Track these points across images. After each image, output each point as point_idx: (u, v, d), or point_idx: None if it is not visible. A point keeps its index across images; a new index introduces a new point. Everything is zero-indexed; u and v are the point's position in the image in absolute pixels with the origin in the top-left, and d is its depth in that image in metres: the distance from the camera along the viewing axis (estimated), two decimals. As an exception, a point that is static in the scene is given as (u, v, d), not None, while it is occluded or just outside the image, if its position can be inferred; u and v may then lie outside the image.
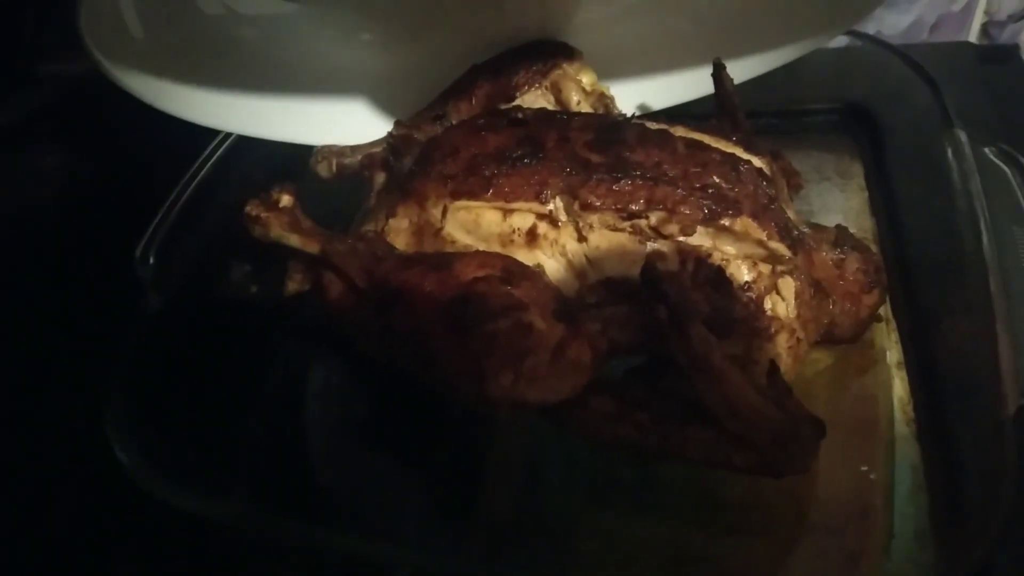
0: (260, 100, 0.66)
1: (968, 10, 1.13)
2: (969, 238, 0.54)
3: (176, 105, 0.61)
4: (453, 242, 0.55)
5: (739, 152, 0.56)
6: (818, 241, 0.56)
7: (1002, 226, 0.54)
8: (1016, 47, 0.90)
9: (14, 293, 0.79)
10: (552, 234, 0.54)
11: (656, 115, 0.72)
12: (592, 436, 0.51)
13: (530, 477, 0.59)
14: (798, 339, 0.53)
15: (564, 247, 0.54)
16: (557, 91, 0.66)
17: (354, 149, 0.68)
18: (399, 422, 0.62)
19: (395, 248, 0.56)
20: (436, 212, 0.56)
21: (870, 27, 1.07)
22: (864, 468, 0.54)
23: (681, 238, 0.52)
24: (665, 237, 0.53)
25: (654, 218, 0.52)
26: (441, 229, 0.56)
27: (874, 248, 0.63)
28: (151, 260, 0.61)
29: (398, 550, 0.49)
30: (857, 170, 0.77)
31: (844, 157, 0.78)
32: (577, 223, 0.53)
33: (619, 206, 0.53)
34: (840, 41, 0.75)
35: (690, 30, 0.69)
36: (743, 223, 0.52)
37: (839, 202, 0.74)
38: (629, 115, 0.62)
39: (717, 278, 0.51)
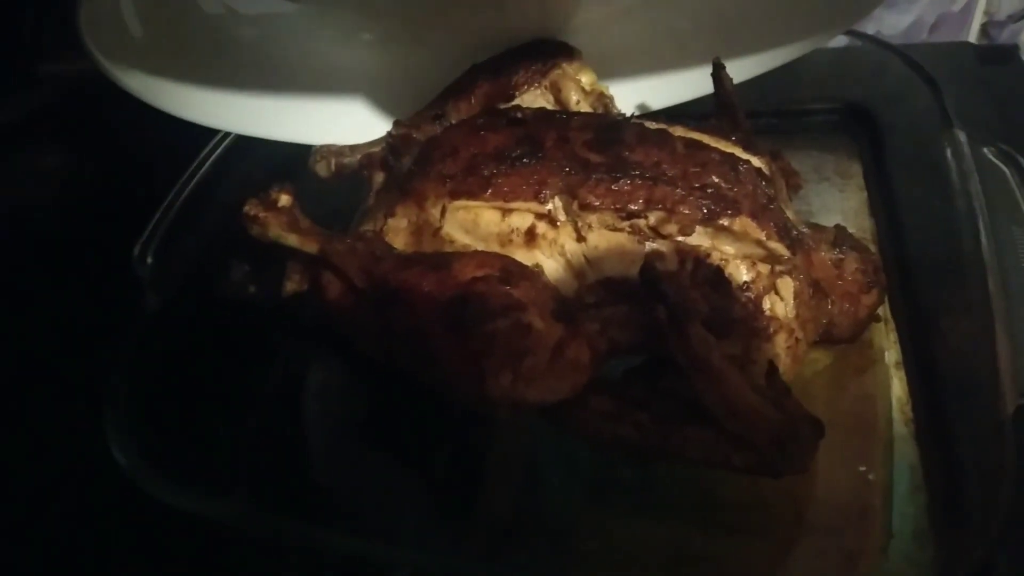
0: (259, 100, 0.66)
1: (968, 10, 1.13)
2: (968, 238, 0.54)
3: (175, 105, 0.61)
4: (452, 242, 0.55)
5: (738, 152, 0.56)
6: (817, 241, 0.56)
7: (1001, 226, 0.54)
8: (1015, 47, 0.90)
9: (13, 293, 0.79)
10: (551, 234, 0.54)
11: (655, 115, 0.72)
12: (591, 436, 0.51)
13: (530, 477, 0.59)
14: (797, 339, 0.53)
15: (563, 247, 0.54)
16: (556, 91, 0.66)
17: (353, 149, 0.68)
18: (399, 422, 0.62)
19: (394, 248, 0.56)
20: (435, 212, 0.56)
21: (870, 27, 1.07)
22: (863, 468, 0.54)
23: (680, 238, 0.52)
24: (664, 237, 0.53)
25: (653, 218, 0.52)
26: (440, 229, 0.56)
27: (873, 248, 0.63)
28: (150, 260, 0.61)
29: (398, 550, 0.49)
30: (856, 170, 0.77)
31: (843, 157, 0.78)
32: (576, 223, 0.53)
33: (618, 206, 0.53)
34: (840, 41, 0.75)
35: (689, 30, 0.69)
36: (742, 223, 0.52)
37: (838, 202, 0.74)
38: (628, 115, 0.62)
39: (716, 278, 0.51)
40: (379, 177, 0.65)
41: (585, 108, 0.66)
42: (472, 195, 0.55)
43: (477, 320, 0.48)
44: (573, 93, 0.66)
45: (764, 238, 0.53)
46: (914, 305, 0.62)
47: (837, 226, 0.58)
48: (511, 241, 0.54)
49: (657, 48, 0.71)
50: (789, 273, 0.53)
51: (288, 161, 0.69)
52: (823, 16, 0.66)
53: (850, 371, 0.59)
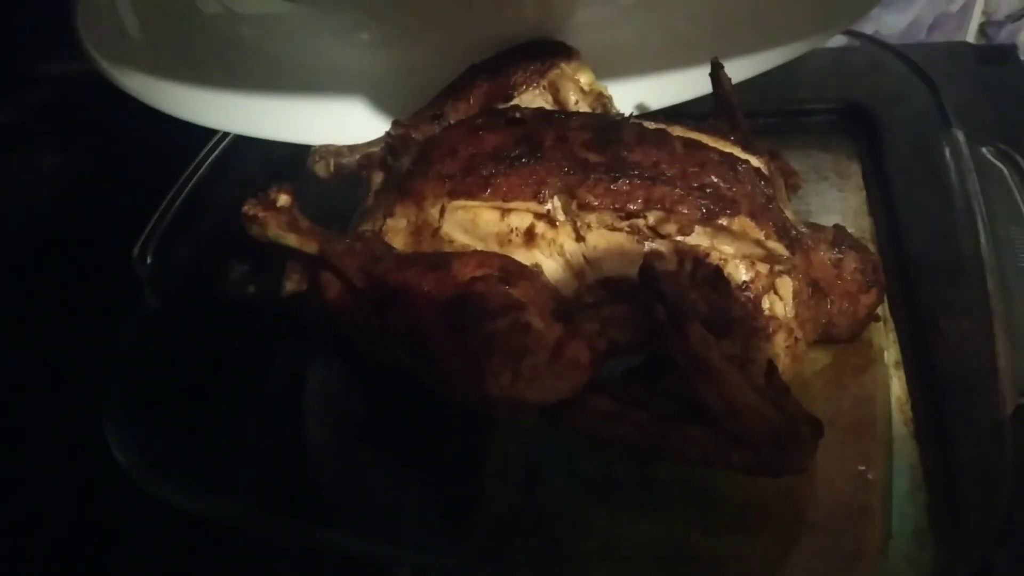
0: (258, 99, 0.66)
1: (966, 10, 1.13)
2: (967, 238, 0.54)
3: (173, 105, 0.61)
4: (451, 242, 0.55)
5: (737, 152, 0.56)
6: (816, 241, 0.56)
7: (1000, 225, 0.54)
8: (1014, 47, 0.90)
9: (12, 292, 0.79)
10: (550, 234, 0.54)
11: (654, 115, 0.72)
12: (591, 436, 0.51)
13: (529, 477, 0.59)
14: (796, 339, 0.53)
15: (562, 247, 0.54)
16: (555, 91, 0.66)
17: (352, 149, 0.68)
18: (398, 422, 0.62)
19: (393, 248, 0.56)
20: (434, 212, 0.56)
21: (868, 27, 1.07)
22: (862, 468, 0.54)
23: (679, 238, 0.52)
24: (663, 237, 0.53)
25: (652, 218, 0.52)
26: (439, 229, 0.56)
27: (872, 248, 0.63)
28: (149, 259, 0.61)
29: (398, 550, 0.49)
30: (855, 170, 0.77)
31: (842, 157, 0.78)
32: (575, 223, 0.53)
33: (617, 206, 0.53)
34: (838, 41, 0.75)
35: (688, 30, 0.69)
36: (741, 223, 0.52)
37: (837, 202, 0.74)
38: (627, 115, 0.63)
39: (715, 278, 0.51)
40: (378, 177, 0.65)
41: (584, 108, 0.66)
42: (471, 195, 0.55)
43: (476, 320, 0.48)
44: (572, 93, 0.66)
45: (763, 238, 0.53)
46: (913, 305, 0.62)
47: (836, 226, 0.58)
48: (510, 241, 0.54)
49: (656, 48, 0.71)
50: (788, 273, 0.53)
51: (287, 161, 0.69)
52: (821, 16, 0.66)
53: (849, 371, 0.59)
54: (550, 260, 0.54)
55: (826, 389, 0.58)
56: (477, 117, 0.62)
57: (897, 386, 0.58)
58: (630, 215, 0.53)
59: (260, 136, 0.67)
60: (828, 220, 0.62)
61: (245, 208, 0.58)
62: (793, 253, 0.54)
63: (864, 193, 0.74)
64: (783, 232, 0.54)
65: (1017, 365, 0.47)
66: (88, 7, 0.51)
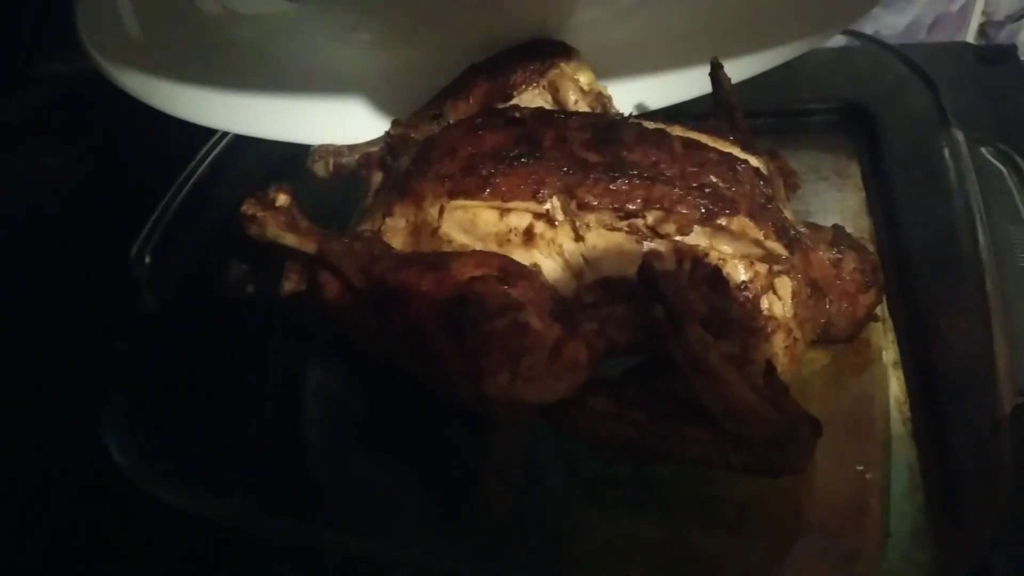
0: (257, 99, 0.66)
1: (966, 10, 1.13)
2: (966, 238, 0.54)
3: (173, 104, 0.61)
4: (450, 241, 0.55)
5: (736, 152, 0.56)
6: (815, 241, 0.56)
7: (998, 225, 0.54)
8: (1013, 47, 0.90)
9: (10, 292, 0.79)
10: (549, 233, 0.54)
11: (654, 114, 0.72)
12: (590, 436, 0.51)
13: (528, 477, 0.59)
14: (795, 339, 0.53)
15: (561, 246, 0.54)
16: (555, 90, 0.66)
17: (351, 148, 0.68)
18: (397, 422, 0.62)
19: (392, 248, 0.56)
20: (433, 211, 0.56)
21: (868, 27, 1.07)
22: (860, 467, 0.54)
23: (678, 237, 0.52)
24: (662, 236, 0.53)
25: (651, 217, 0.52)
26: (438, 228, 0.56)
27: (871, 248, 0.63)
28: (147, 259, 0.60)
29: (398, 550, 0.49)
30: (854, 170, 0.77)
31: (841, 157, 0.78)
32: (574, 222, 0.53)
33: (616, 205, 0.53)
34: (838, 41, 0.75)
35: (687, 29, 0.69)
36: (740, 223, 0.52)
37: (836, 202, 0.74)
38: (627, 114, 0.63)
39: (714, 277, 0.51)
40: (377, 177, 0.65)
41: (583, 108, 0.66)
42: (470, 195, 0.55)
43: (475, 320, 0.48)
44: (571, 93, 0.66)
45: (762, 238, 0.53)
46: (912, 305, 0.62)
47: (835, 226, 0.58)
48: (509, 241, 0.54)
49: (655, 48, 0.71)
50: (787, 273, 0.53)
51: (286, 161, 0.69)
52: (821, 16, 0.66)
53: (848, 371, 0.59)
54: (549, 260, 0.54)
55: (825, 389, 0.58)
56: (476, 117, 0.62)
57: (896, 386, 0.58)
58: (629, 215, 0.53)
59: (259, 136, 0.67)
60: (827, 220, 0.62)
61: (244, 208, 0.58)
62: (792, 253, 0.54)
63: (863, 193, 0.74)
64: (782, 232, 0.54)
65: (1015, 365, 0.47)
66: (88, 7, 0.51)
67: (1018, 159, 0.59)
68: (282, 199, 0.58)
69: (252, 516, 0.51)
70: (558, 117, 0.60)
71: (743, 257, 0.53)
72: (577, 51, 0.67)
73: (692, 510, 0.53)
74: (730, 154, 0.56)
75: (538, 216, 0.54)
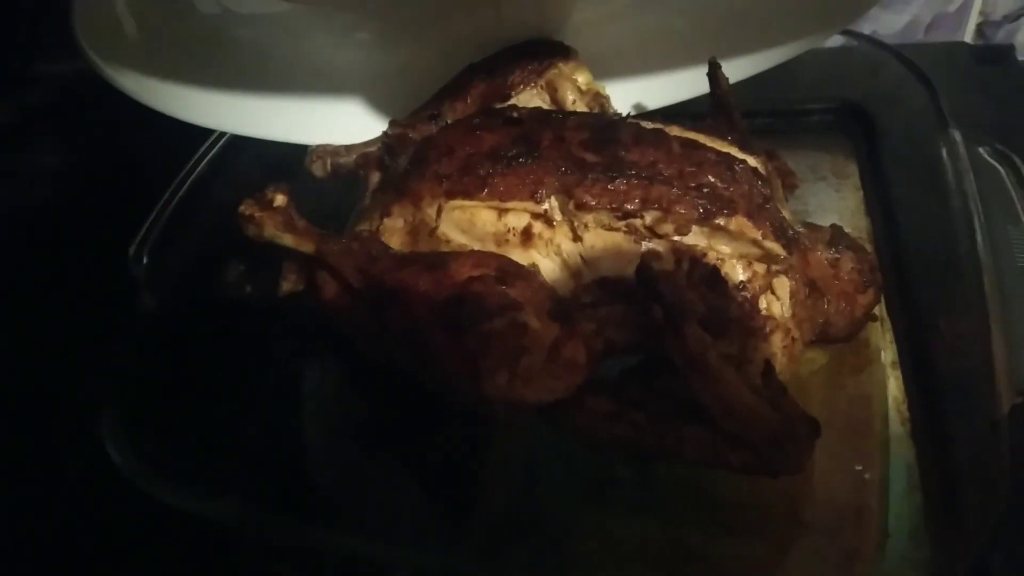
0: (255, 99, 0.66)
1: (964, 10, 1.13)
2: (964, 237, 0.54)
3: (170, 104, 0.61)
4: (448, 242, 0.55)
5: (734, 152, 0.56)
6: (813, 241, 0.56)
7: (997, 225, 0.54)
8: (1011, 47, 0.90)
9: (8, 292, 0.79)
10: (547, 233, 0.54)
11: (652, 114, 0.72)
12: (589, 436, 0.51)
13: (527, 477, 0.59)
14: (793, 338, 0.53)
15: (559, 247, 0.54)
16: (553, 90, 0.66)
17: (349, 148, 0.68)
18: (397, 422, 0.62)
19: (390, 248, 0.56)
20: (431, 212, 0.56)
21: (866, 27, 1.07)
22: (859, 467, 0.54)
23: (676, 237, 0.52)
24: (660, 236, 0.53)
25: (649, 217, 0.53)
26: (436, 229, 0.56)
27: (869, 248, 0.63)
28: (145, 259, 0.61)
29: (397, 550, 0.49)
30: (852, 170, 0.77)
31: (839, 157, 0.78)
32: (572, 222, 0.53)
33: (614, 205, 0.53)
34: (836, 41, 0.75)
35: (686, 29, 0.69)
36: (738, 223, 0.52)
37: (834, 202, 0.74)
38: (624, 114, 0.63)
39: (712, 278, 0.51)
40: (375, 177, 0.65)
41: (581, 108, 0.66)
42: (468, 195, 0.55)
43: (473, 320, 0.48)
44: (569, 93, 0.66)
45: (760, 238, 0.53)
46: (910, 304, 0.62)
47: (833, 226, 0.58)
48: (507, 241, 0.54)
49: (653, 48, 0.71)
50: (785, 273, 0.53)
51: (284, 161, 0.69)
52: (819, 16, 0.66)
53: (846, 371, 0.60)
54: (547, 260, 0.54)
55: (823, 389, 0.59)
56: (474, 117, 0.62)
57: (894, 386, 0.58)
58: (627, 215, 0.53)
59: (257, 136, 0.67)
60: (825, 220, 0.62)
61: (242, 208, 0.58)
62: (790, 253, 0.54)
63: (861, 193, 0.74)
64: (780, 232, 0.54)
65: (1014, 365, 0.47)
66: (85, 7, 0.51)
67: (1016, 159, 0.59)
68: (280, 199, 0.58)
69: (252, 516, 0.51)
70: (556, 117, 0.59)
71: (741, 257, 0.53)
72: (575, 51, 0.67)
73: (691, 510, 0.53)
74: (728, 154, 0.56)
75: (536, 216, 0.54)
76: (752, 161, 0.56)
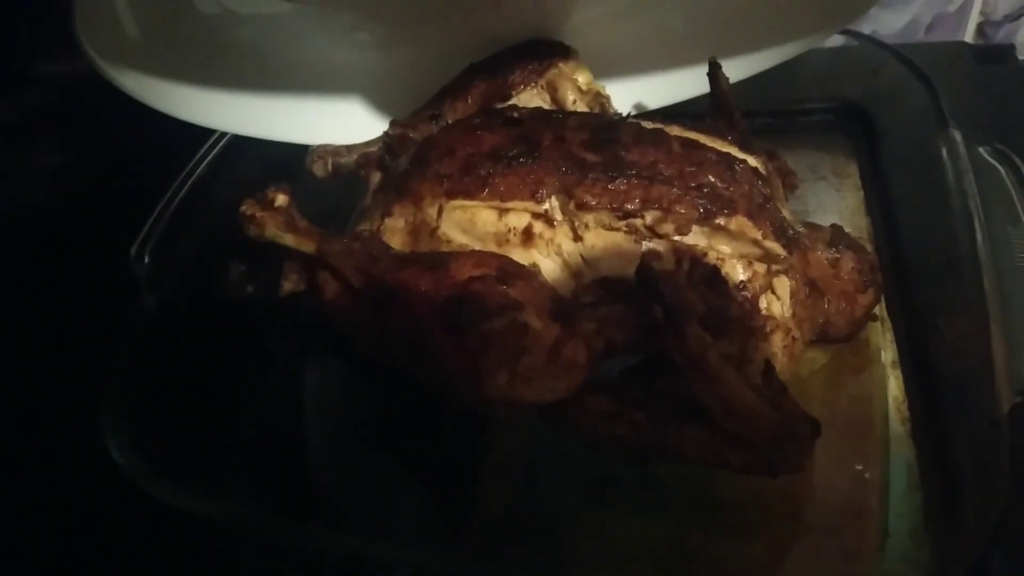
0: (255, 99, 0.66)
1: (964, 10, 1.13)
2: (964, 237, 0.54)
3: (171, 105, 0.61)
4: (449, 241, 0.55)
5: (735, 151, 0.56)
6: (813, 240, 0.56)
7: (997, 225, 0.54)
8: (1011, 47, 0.90)
9: (9, 292, 0.79)
10: (548, 233, 0.54)
11: (652, 114, 0.72)
12: (589, 435, 0.51)
13: (528, 476, 0.59)
14: (793, 338, 0.53)
15: (560, 246, 0.54)
16: (553, 90, 0.66)
17: (350, 148, 0.68)
18: (397, 422, 0.62)
19: (391, 248, 0.56)
20: (432, 211, 0.56)
21: (866, 27, 1.08)
22: (859, 467, 0.54)
23: (676, 237, 0.53)
24: (660, 236, 0.53)
25: (649, 217, 0.53)
26: (437, 228, 0.56)
27: (869, 247, 0.63)
28: (147, 259, 0.60)
29: (397, 550, 0.49)
30: (852, 169, 0.77)
31: (840, 157, 0.78)
32: (573, 222, 0.54)
33: (615, 205, 0.53)
34: (836, 40, 0.75)
35: (686, 29, 0.69)
36: (738, 222, 0.52)
37: (834, 201, 0.74)
38: (625, 114, 0.63)
39: (712, 277, 0.51)
40: (376, 177, 0.65)
41: (581, 108, 0.66)
42: (469, 195, 0.55)
43: (474, 319, 0.48)
44: (569, 93, 0.66)
45: (760, 237, 0.53)
46: (910, 304, 0.62)
47: (833, 225, 0.58)
48: (508, 241, 0.54)
49: (653, 48, 0.71)
50: (785, 272, 0.53)
51: (285, 161, 0.69)
52: (819, 15, 0.66)
53: (847, 370, 0.60)
54: (548, 260, 0.54)
55: (823, 389, 0.59)
56: (475, 117, 0.62)
57: (894, 386, 0.58)
58: (627, 215, 0.53)
59: (258, 136, 0.67)
60: (825, 220, 0.62)
61: (243, 208, 0.58)
62: (790, 253, 0.54)
63: (861, 193, 0.74)
64: (780, 232, 0.54)
65: (1013, 365, 0.47)
66: (86, 7, 0.51)
67: (1016, 159, 0.59)
68: (281, 199, 0.58)
69: (252, 516, 0.51)
70: (556, 117, 0.60)
71: (741, 257, 0.53)
72: (575, 51, 0.67)
73: (691, 510, 0.53)
74: (728, 154, 0.56)
75: (537, 216, 0.54)
76: (752, 161, 0.56)
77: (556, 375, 0.48)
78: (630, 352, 0.52)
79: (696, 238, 0.53)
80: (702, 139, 0.56)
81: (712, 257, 0.52)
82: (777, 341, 0.53)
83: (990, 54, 0.88)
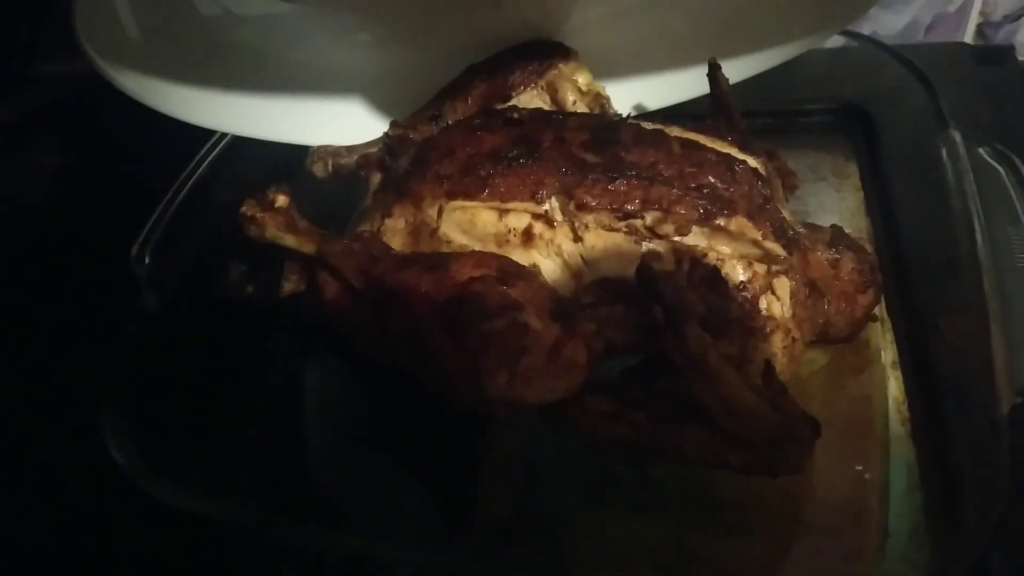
0: (256, 100, 0.66)
1: (964, 11, 1.13)
2: (964, 238, 0.54)
3: (172, 105, 0.61)
4: (449, 242, 0.55)
5: (735, 152, 0.56)
6: (813, 241, 0.56)
7: (996, 226, 0.54)
8: (1011, 48, 0.90)
9: (10, 292, 0.79)
10: (548, 234, 0.54)
11: (652, 115, 0.72)
12: (589, 436, 0.51)
13: (528, 477, 0.59)
14: (793, 339, 0.53)
15: (560, 247, 0.54)
16: (553, 91, 0.66)
17: (350, 149, 0.68)
18: (397, 422, 0.62)
19: (391, 248, 0.56)
20: (432, 212, 0.56)
21: (866, 27, 1.08)
22: (859, 468, 0.54)
23: (676, 238, 0.53)
24: (660, 237, 0.53)
25: (650, 218, 0.53)
26: (437, 229, 0.56)
27: (869, 248, 0.63)
28: (147, 260, 0.60)
29: (398, 550, 0.49)
30: (852, 170, 0.77)
31: (840, 157, 0.78)
32: (573, 223, 0.54)
33: (615, 206, 0.53)
34: (836, 41, 0.75)
35: (686, 30, 0.69)
36: (738, 223, 0.52)
37: (834, 202, 0.74)
38: (625, 115, 0.63)
39: (712, 278, 0.51)
40: (376, 178, 0.65)
41: (582, 108, 0.66)
42: (469, 195, 0.55)
43: (474, 320, 0.48)
44: (569, 93, 0.66)
45: (760, 238, 0.53)
46: (910, 305, 0.62)
47: (833, 226, 0.58)
48: (508, 241, 0.54)
49: (653, 48, 0.71)
50: (785, 273, 0.53)
51: (285, 162, 0.69)
52: (819, 16, 0.66)
53: (847, 371, 0.60)
54: (548, 260, 0.54)
55: (823, 389, 0.59)
56: (475, 118, 0.62)
57: (894, 386, 0.58)
58: (627, 215, 0.53)
59: (258, 137, 0.67)
60: (825, 220, 0.62)
61: (243, 209, 0.58)
62: (790, 253, 0.54)
63: (861, 193, 0.74)
64: (780, 232, 0.54)
65: (1013, 365, 0.47)
66: (87, 7, 0.51)
67: (1016, 160, 0.59)
68: (281, 200, 0.58)
69: (252, 516, 0.51)
70: (556, 118, 0.60)
71: (741, 257, 0.53)
72: (575, 52, 0.67)
73: (691, 510, 0.53)
74: (728, 154, 0.56)
75: (537, 217, 0.54)
76: (752, 161, 0.56)
77: (556, 375, 0.48)
78: (630, 352, 0.52)
79: (696, 239, 0.53)
80: (702, 140, 0.57)
81: (712, 258, 0.52)
82: (777, 342, 0.53)
83: (990, 55, 0.88)
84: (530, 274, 0.52)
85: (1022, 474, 0.43)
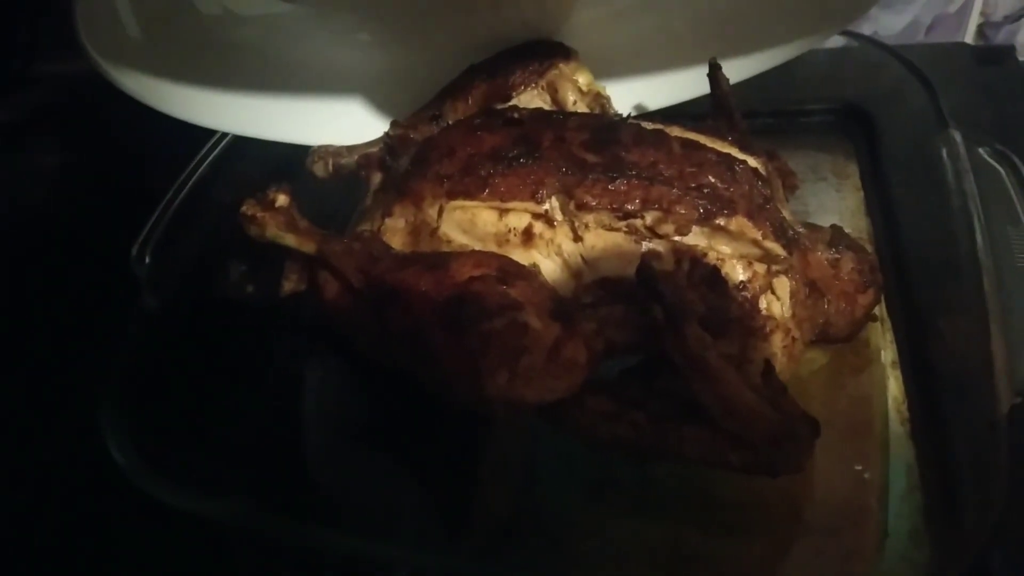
0: (256, 100, 0.66)
1: (964, 11, 1.13)
2: (964, 238, 0.54)
3: (172, 105, 0.61)
4: (449, 242, 0.55)
5: (735, 152, 0.56)
6: (813, 241, 0.56)
7: (996, 226, 0.54)
8: (1012, 48, 0.90)
9: (10, 292, 0.79)
10: (548, 234, 0.54)
11: (652, 115, 0.72)
12: (589, 436, 0.51)
13: (527, 477, 0.59)
14: (793, 339, 0.53)
15: (560, 247, 0.54)
16: (553, 91, 0.66)
17: (351, 149, 0.68)
18: (397, 422, 0.62)
19: (391, 248, 0.56)
20: (432, 212, 0.56)
21: (866, 28, 1.08)
22: (859, 467, 0.54)
23: (676, 238, 0.53)
24: (661, 237, 0.53)
25: (650, 218, 0.53)
26: (437, 229, 0.56)
27: (869, 248, 0.63)
28: (147, 259, 0.60)
29: (397, 550, 0.49)
30: (852, 170, 0.77)
31: (840, 157, 0.78)
32: (573, 223, 0.54)
33: (615, 206, 0.53)
34: (836, 41, 0.75)
35: (686, 30, 0.69)
36: (738, 223, 0.52)
37: (835, 202, 0.74)
38: (625, 115, 0.63)
39: (712, 278, 0.51)
40: (376, 177, 0.65)
41: (582, 108, 0.66)
42: (469, 195, 0.55)
43: (474, 319, 0.48)
44: (570, 93, 0.66)
45: (760, 238, 0.53)
46: (910, 305, 0.62)
47: (833, 226, 0.58)
48: (508, 241, 0.54)
49: (654, 48, 0.71)
50: (785, 273, 0.53)
51: (285, 161, 0.69)
52: (819, 16, 0.66)
53: (846, 371, 0.60)
54: (548, 260, 0.54)
55: (823, 389, 0.59)
56: (475, 117, 0.62)
57: (894, 386, 0.58)
58: (628, 215, 0.53)
59: (259, 136, 0.67)
60: (825, 220, 0.62)
61: (244, 208, 0.58)
62: (790, 253, 0.54)
63: (861, 193, 0.74)
64: (780, 232, 0.54)
65: (1013, 365, 0.47)
66: (87, 7, 0.51)
67: (1016, 160, 0.59)
68: (281, 200, 0.58)
69: (252, 516, 0.51)
70: (557, 118, 0.60)
71: (741, 257, 0.53)
72: (576, 52, 0.67)
73: (691, 510, 0.53)
74: (728, 154, 0.56)
75: (537, 216, 0.54)
76: (752, 161, 0.56)
77: (556, 375, 0.48)
78: (630, 352, 0.52)
79: (696, 238, 0.53)
80: (702, 140, 0.57)
81: (712, 257, 0.52)
82: (777, 341, 0.53)
83: (990, 55, 0.89)
84: (530, 274, 0.52)
85: (1022, 474, 0.43)
